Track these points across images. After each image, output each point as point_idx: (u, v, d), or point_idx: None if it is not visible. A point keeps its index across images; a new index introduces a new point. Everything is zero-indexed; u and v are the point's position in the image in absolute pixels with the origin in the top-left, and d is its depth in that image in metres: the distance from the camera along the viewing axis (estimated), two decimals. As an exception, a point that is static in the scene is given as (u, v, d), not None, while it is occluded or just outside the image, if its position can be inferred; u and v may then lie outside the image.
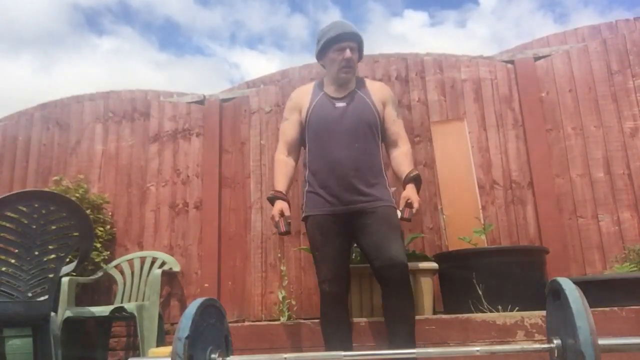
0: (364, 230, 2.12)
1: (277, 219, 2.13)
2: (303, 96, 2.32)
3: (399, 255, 2.05)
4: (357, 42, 2.24)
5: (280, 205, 2.16)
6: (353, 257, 2.65)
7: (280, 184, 2.24)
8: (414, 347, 2.02)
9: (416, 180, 2.17)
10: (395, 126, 2.28)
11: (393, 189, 2.28)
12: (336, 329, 2.16)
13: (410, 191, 2.13)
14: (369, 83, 2.34)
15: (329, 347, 2.14)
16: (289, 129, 2.31)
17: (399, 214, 2.15)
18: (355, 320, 2.49)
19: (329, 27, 2.26)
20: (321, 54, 2.29)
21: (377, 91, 2.29)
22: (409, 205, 2.09)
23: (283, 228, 2.12)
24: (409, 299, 2.10)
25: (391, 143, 2.29)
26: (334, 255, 2.15)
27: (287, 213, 2.15)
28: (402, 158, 2.24)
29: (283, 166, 2.28)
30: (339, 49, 2.21)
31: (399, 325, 2.06)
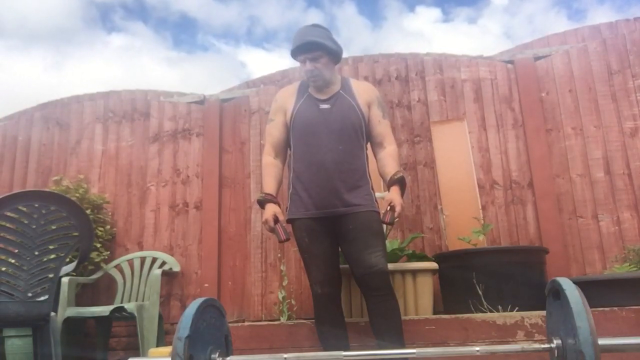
0: (346, 236, 2.11)
1: (271, 224, 2.11)
2: (288, 97, 2.30)
3: (379, 263, 2.05)
4: (318, 49, 2.19)
5: (272, 208, 2.14)
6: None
7: (269, 187, 2.21)
8: (403, 346, 2.02)
9: (401, 182, 2.14)
10: (381, 127, 2.25)
11: (383, 193, 2.26)
12: (331, 329, 2.16)
13: (393, 194, 2.11)
14: (354, 84, 2.32)
15: (325, 348, 2.14)
16: (274, 131, 2.29)
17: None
18: (355, 320, 2.49)
19: (293, 37, 2.25)
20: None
21: (362, 92, 2.27)
22: (391, 208, 2.08)
23: (283, 237, 2.09)
24: (391, 301, 2.09)
25: (377, 144, 2.27)
26: (324, 257, 2.14)
27: (280, 217, 2.14)
28: (387, 159, 2.22)
29: (271, 168, 2.25)
30: (300, 61, 2.24)
31: (385, 326, 2.06)
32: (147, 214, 3.84)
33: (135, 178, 3.94)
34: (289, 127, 2.25)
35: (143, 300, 3.41)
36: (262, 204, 2.18)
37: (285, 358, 1.57)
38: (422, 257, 2.82)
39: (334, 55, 2.25)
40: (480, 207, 3.32)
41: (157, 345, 3.21)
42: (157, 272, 3.42)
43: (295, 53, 2.22)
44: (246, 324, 2.85)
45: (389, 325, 2.06)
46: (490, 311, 2.51)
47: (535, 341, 2.23)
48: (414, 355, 1.57)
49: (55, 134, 4.16)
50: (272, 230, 2.12)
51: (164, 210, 3.83)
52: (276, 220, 2.12)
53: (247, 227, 3.65)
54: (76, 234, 2.17)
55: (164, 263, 3.61)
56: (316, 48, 2.18)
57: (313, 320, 2.29)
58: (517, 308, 2.48)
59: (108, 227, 3.76)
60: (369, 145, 2.31)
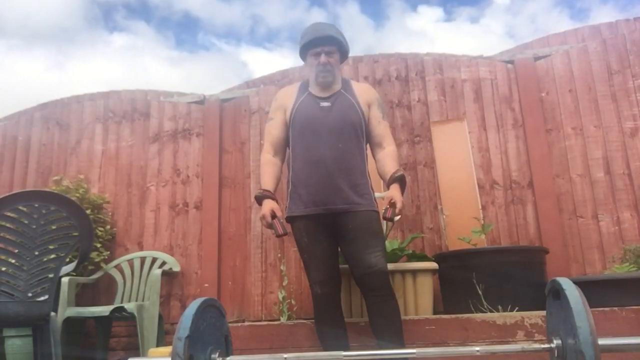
0: (345, 236, 2.11)
1: (269, 219, 2.11)
2: (288, 96, 2.31)
3: (378, 263, 2.05)
4: (334, 45, 2.21)
5: (270, 204, 2.14)
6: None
7: (268, 184, 2.21)
8: (403, 346, 2.02)
9: (401, 180, 2.14)
10: (381, 127, 2.26)
11: (383, 193, 2.26)
12: (331, 329, 2.16)
13: (393, 191, 2.10)
14: (355, 84, 2.33)
15: (325, 348, 2.14)
16: (274, 129, 2.29)
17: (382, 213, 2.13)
18: (355, 320, 2.49)
19: (306, 31, 2.25)
20: (302, 57, 2.31)
21: (362, 92, 2.29)
22: (392, 205, 2.08)
23: (280, 231, 2.09)
24: (391, 301, 2.09)
25: (376, 144, 2.27)
26: (323, 257, 2.14)
27: (278, 213, 2.13)
28: (387, 159, 2.22)
29: (270, 166, 2.25)
30: (314, 54, 2.22)
31: (385, 326, 2.06)
32: (147, 214, 3.84)
33: (135, 178, 3.94)
34: (289, 125, 2.25)
35: (143, 300, 3.41)
36: (259, 200, 2.18)
37: (285, 358, 1.57)
38: (422, 257, 2.82)
39: (343, 53, 2.29)
40: (480, 207, 3.32)
41: (157, 345, 3.21)
42: (157, 272, 3.42)
43: (310, 45, 2.21)
44: (246, 324, 2.85)
45: (389, 325, 2.06)
46: (490, 311, 2.51)
47: (535, 341, 2.23)
48: (414, 355, 1.57)
49: (55, 134, 4.16)
50: (270, 225, 2.12)
51: (164, 210, 3.83)
52: (274, 215, 2.12)
53: (247, 227, 3.65)
54: (76, 234, 2.17)
55: (164, 263, 3.61)
56: (332, 43, 2.21)
57: (313, 320, 2.29)
58: (517, 308, 2.48)
59: (108, 227, 3.75)
60: (368, 145, 2.31)
